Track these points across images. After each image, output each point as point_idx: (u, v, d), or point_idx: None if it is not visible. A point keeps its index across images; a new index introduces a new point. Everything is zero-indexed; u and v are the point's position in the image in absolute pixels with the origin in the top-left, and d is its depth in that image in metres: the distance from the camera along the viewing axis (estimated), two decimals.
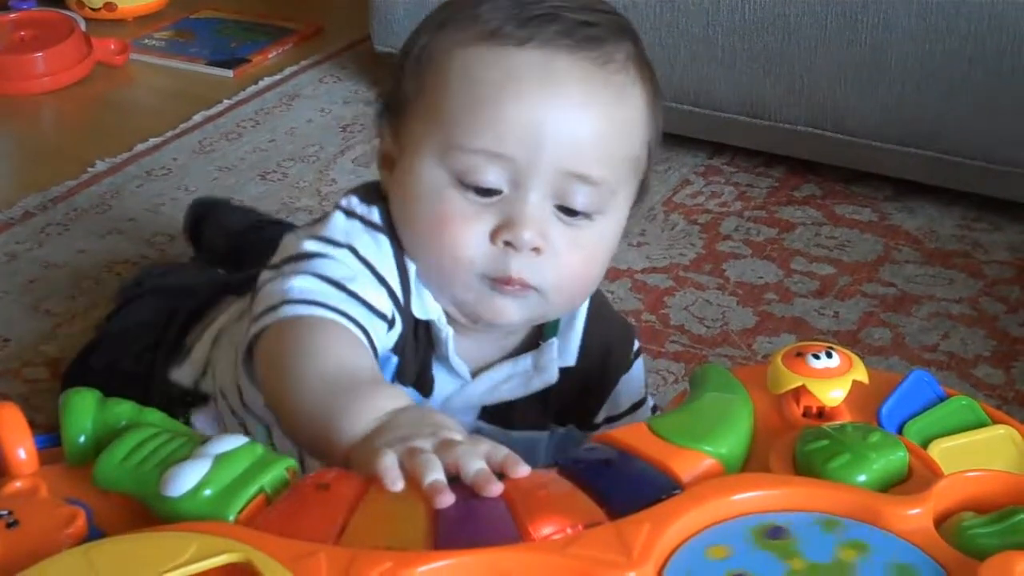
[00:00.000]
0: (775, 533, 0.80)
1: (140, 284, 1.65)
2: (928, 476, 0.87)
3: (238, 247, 1.73)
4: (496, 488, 0.83)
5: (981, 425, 0.96)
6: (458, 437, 0.88)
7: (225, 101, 2.48)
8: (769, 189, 2.20)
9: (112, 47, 2.63)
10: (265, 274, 1.13)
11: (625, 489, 0.85)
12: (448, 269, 1.11)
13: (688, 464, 0.88)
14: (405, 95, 1.15)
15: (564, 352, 1.22)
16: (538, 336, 1.22)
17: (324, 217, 1.16)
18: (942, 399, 0.98)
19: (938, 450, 0.92)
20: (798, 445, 0.89)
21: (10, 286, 1.89)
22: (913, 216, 2.12)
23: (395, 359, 1.16)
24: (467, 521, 0.82)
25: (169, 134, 2.35)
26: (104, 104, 2.51)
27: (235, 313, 1.37)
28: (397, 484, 0.83)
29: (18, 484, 0.86)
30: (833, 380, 0.95)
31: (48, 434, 0.92)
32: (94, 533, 0.81)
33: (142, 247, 1.97)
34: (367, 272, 1.11)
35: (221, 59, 2.64)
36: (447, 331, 1.16)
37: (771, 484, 0.85)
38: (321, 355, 1.02)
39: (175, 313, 1.44)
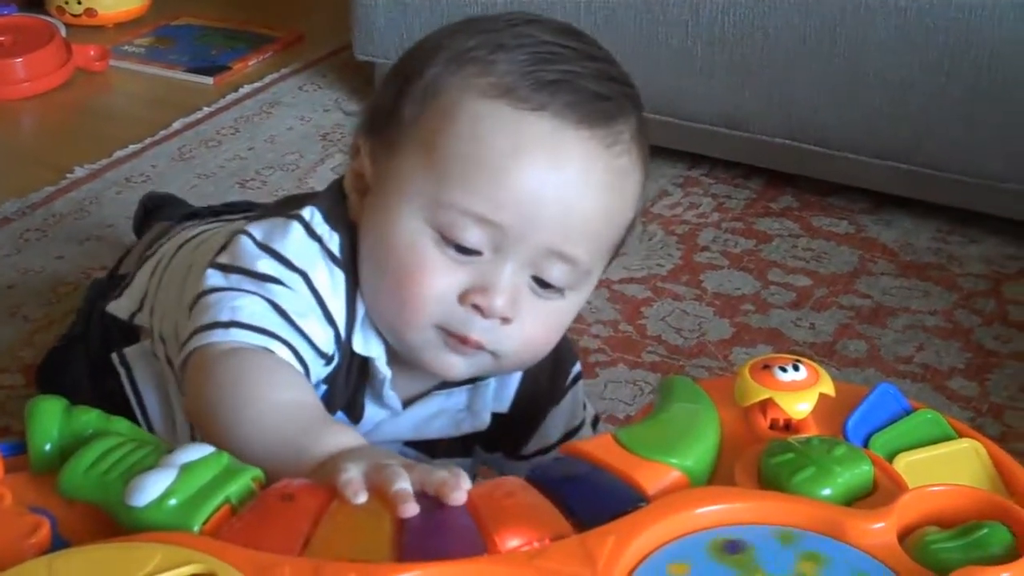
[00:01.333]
0: (733, 548, 0.81)
1: None
2: (893, 490, 0.87)
3: None
4: (460, 495, 0.83)
5: (947, 438, 0.96)
6: (414, 463, 0.88)
7: (205, 108, 2.47)
8: (747, 200, 2.21)
9: (92, 53, 2.62)
10: (212, 274, 1.10)
11: (591, 501, 0.86)
12: (406, 318, 1.09)
13: (654, 476, 0.88)
14: (399, 119, 1.11)
15: (500, 396, 1.22)
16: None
17: (282, 225, 1.12)
18: (908, 412, 0.98)
19: (903, 463, 0.93)
20: (764, 458, 0.89)
21: None
22: (889, 228, 2.12)
23: (323, 388, 1.14)
24: (432, 533, 0.82)
25: (148, 141, 2.34)
26: (83, 110, 2.51)
27: (173, 249, 1.34)
28: (359, 496, 0.83)
29: None
30: (800, 393, 0.95)
31: (13, 441, 0.91)
32: (58, 543, 0.81)
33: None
34: (316, 307, 1.09)
35: (201, 66, 2.64)
36: (385, 372, 1.14)
37: (736, 498, 0.86)
38: (271, 392, 1.01)
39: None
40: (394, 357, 1.14)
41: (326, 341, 1.09)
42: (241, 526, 0.82)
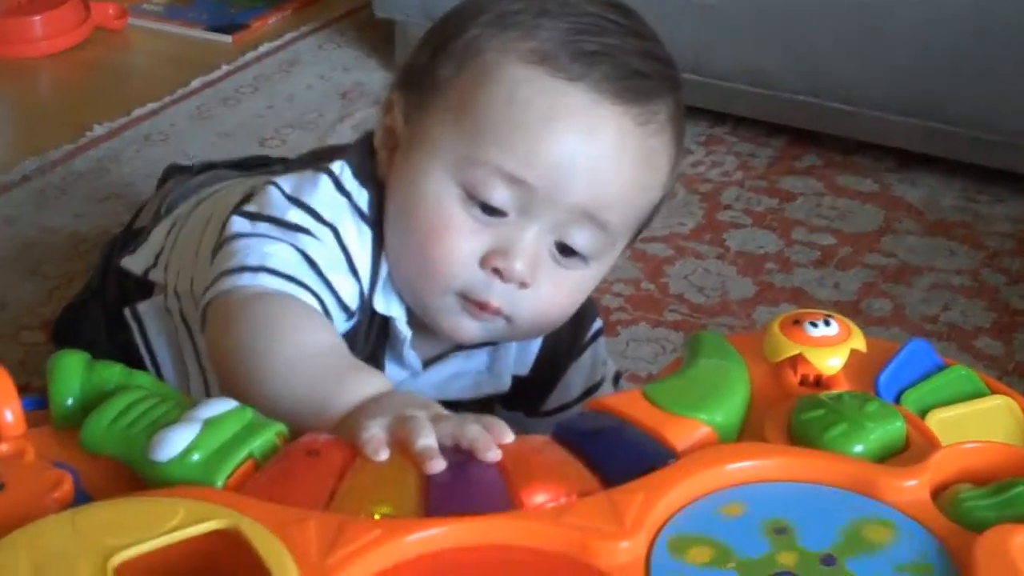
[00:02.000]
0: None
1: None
2: (926, 447, 0.86)
3: None
4: (494, 454, 0.82)
5: (979, 395, 0.95)
6: (447, 414, 0.87)
7: (224, 67, 2.46)
8: (770, 159, 2.19)
9: (111, 11, 2.61)
10: (238, 221, 1.10)
11: (619, 457, 0.85)
12: (428, 278, 1.09)
13: (683, 432, 0.87)
14: (436, 78, 1.11)
15: (521, 359, 1.21)
16: None
17: (311, 178, 1.11)
18: (941, 368, 0.97)
19: (936, 420, 0.91)
20: (794, 414, 0.88)
21: (7, 250, 1.88)
22: (915, 187, 2.10)
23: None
24: (459, 488, 0.82)
25: (167, 99, 2.33)
26: (102, 69, 2.50)
27: (191, 206, 1.33)
28: (381, 454, 0.82)
29: (4, 447, 0.85)
30: (831, 348, 0.94)
31: (36, 396, 0.91)
32: (81, 497, 0.80)
33: None
34: (344, 262, 1.09)
35: (220, 24, 2.62)
36: (406, 333, 1.14)
37: (766, 454, 0.85)
38: (301, 336, 1.00)
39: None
40: (414, 318, 1.14)
41: (351, 296, 1.09)
42: (265, 481, 0.81)
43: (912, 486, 0.82)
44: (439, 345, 1.18)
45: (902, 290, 1.84)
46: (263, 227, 1.08)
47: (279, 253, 1.05)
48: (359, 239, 1.10)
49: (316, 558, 0.73)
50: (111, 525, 0.74)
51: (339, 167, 1.11)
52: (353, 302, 1.09)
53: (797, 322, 0.96)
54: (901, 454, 0.86)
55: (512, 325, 1.11)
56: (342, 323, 1.09)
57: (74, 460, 0.84)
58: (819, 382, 0.95)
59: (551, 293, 1.10)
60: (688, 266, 1.89)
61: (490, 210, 1.07)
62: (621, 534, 0.77)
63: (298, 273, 1.04)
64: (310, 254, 1.06)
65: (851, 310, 1.79)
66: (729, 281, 1.86)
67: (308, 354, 0.98)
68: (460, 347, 1.18)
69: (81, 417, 0.87)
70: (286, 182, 1.11)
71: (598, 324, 1.30)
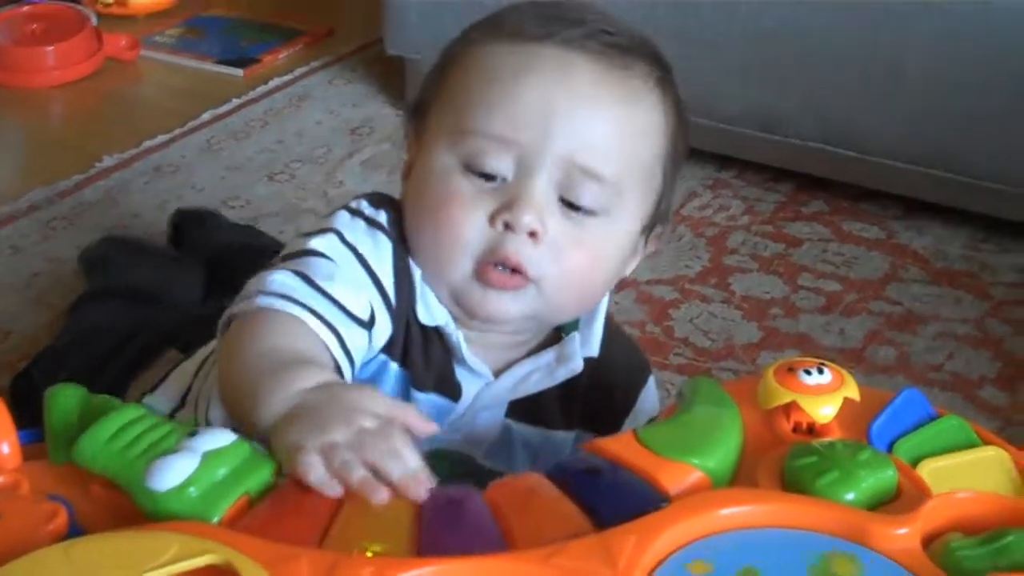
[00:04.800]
0: None
1: (103, 262, 1.68)
2: (917, 496, 0.86)
3: (224, 258, 1.72)
4: (422, 491, 0.84)
5: (971, 446, 0.95)
6: (368, 424, 0.87)
7: (234, 100, 2.48)
8: (777, 204, 2.20)
9: (123, 43, 2.63)
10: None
11: (612, 500, 0.85)
12: (445, 251, 1.11)
13: (676, 477, 0.87)
14: (428, 94, 1.17)
15: (586, 343, 1.21)
16: (557, 339, 1.22)
17: (326, 218, 1.15)
18: (933, 418, 0.97)
19: (928, 470, 0.91)
20: (787, 461, 0.88)
21: (14, 279, 1.89)
22: (921, 235, 2.11)
23: (394, 366, 1.15)
24: (452, 528, 0.82)
25: (177, 131, 2.35)
26: (113, 100, 2.51)
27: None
28: (335, 490, 0.83)
29: (0, 479, 0.85)
30: (824, 396, 0.94)
31: (32, 429, 0.91)
32: (75, 530, 0.80)
33: (144, 241, 1.96)
34: (358, 268, 1.11)
35: (231, 58, 2.64)
36: (457, 334, 1.15)
37: (759, 499, 0.84)
38: (262, 339, 1.02)
39: (140, 325, 1.43)
40: (465, 327, 1.16)
41: (358, 302, 1.09)
42: (259, 517, 0.81)
43: (903, 534, 0.82)
44: (508, 353, 1.20)
45: (907, 338, 1.84)
46: (275, 263, 1.11)
47: (276, 278, 1.07)
48: (375, 247, 1.12)
49: None
50: (105, 558, 0.75)
51: (355, 202, 1.16)
52: (364, 312, 1.09)
53: (791, 369, 0.96)
54: (892, 503, 0.86)
55: (541, 291, 1.12)
56: (360, 334, 1.09)
57: (69, 493, 0.84)
58: (812, 429, 0.94)
59: (570, 249, 1.11)
60: (693, 310, 1.89)
61: (489, 177, 1.10)
62: None
63: (291, 292, 1.06)
64: (308, 273, 1.07)
65: (856, 357, 1.79)
66: (734, 326, 1.86)
67: (257, 354, 0.99)
68: (529, 353, 1.21)
69: None
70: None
71: (645, 359, 1.37)
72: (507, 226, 1.09)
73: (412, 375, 1.16)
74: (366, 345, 1.11)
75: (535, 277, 1.11)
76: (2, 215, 2.06)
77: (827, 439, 0.91)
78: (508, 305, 1.12)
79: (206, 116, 2.41)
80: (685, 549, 0.81)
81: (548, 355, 1.21)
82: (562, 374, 1.20)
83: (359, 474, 0.83)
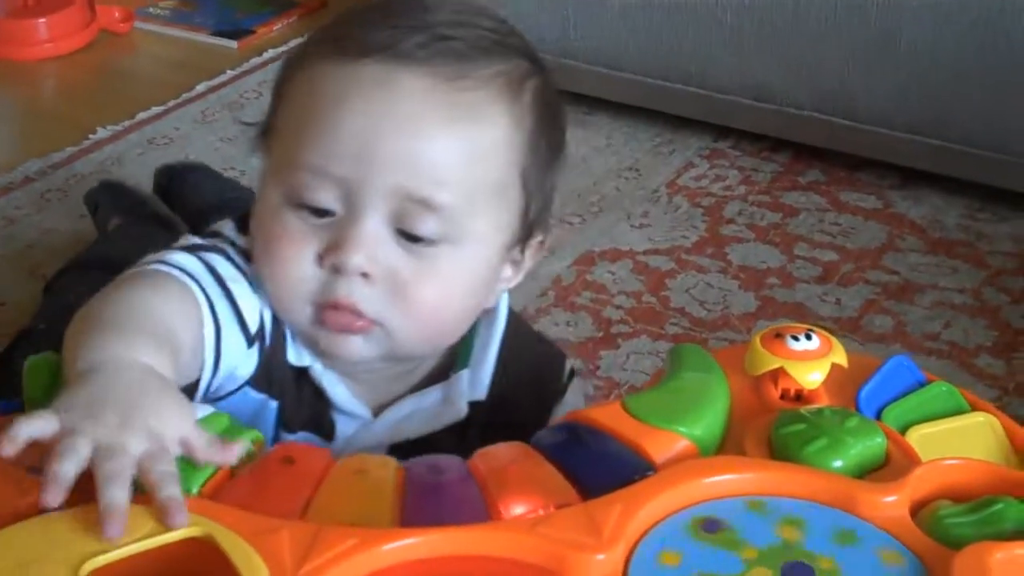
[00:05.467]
0: (711, 527, 0.79)
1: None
2: (905, 463, 0.85)
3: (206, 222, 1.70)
4: (181, 520, 0.76)
5: (960, 412, 0.94)
6: (133, 447, 0.78)
7: (228, 72, 2.47)
8: (774, 174, 2.19)
9: (116, 15, 2.62)
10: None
11: (597, 469, 0.84)
12: (283, 294, 1.03)
13: (662, 445, 0.87)
14: (270, 119, 1.08)
15: (474, 385, 1.13)
16: (448, 367, 1.14)
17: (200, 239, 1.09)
18: (922, 384, 0.96)
19: (916, 436, 0.91)
20: (775, 428, 0.87)
21: (8, 250, 1.89)
22: (918, 205, 2.10)
23: (273, 404, 1.08)
24: (435, 499, 0.81)
25: (171, 103, 2.34)
26: (107, 72, 2.50)
27: None
28: (6, 451, 0.77)
29: None
30: (812, 362, 0.94)
31: (13, 400, 0.90)
32: None
33: None
34: (248, 289, 1.05)
35: (225, 30, 2.63)
36: (322, 378, 1.09)
37: (746, 467, 0.84)
38: (134, 291, 0.96)
39: None
40: (334, 366, 1.09)
41: (252, 314, 1.04)
42: (240, 489, 0.81)
43: (891, 502, 0.81)
44: (390, 388, 1.13)
45: (904, 307, 1.84)
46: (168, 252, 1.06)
47: (180, 258, 1.02)
48: (255, 278, 1.06)
49: (290, 567, 0.73)
50: (83, 531, 0.74)
51: (220, 225, 1.10)
52: (253, 321, 1.04)
53: (779, 335, 0.95)
54: (881, 470, 0.85)
55: (389, 331, 1.03)
56: (239, 340, 1.04)
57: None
58: (800, 396, 0.94)
59: (411, 284, 1.01)
60: (690, 279, 1.89)
61: (317, 211, 1.01)
62: (598, 547, 0.76)
63: (194, 271, 1.01)
64: (212, 264, 1.03)
65: (852, 327, 1.78)
66: (731, 295, 1.85)
67: (115, 300, 0.94)
68: (413, 389, 1.13)
69: None
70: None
71: (570, 364, 1.25)
72: (335, 268, 1.01)
73: (284, 414, 1.09)
74: (241, 358, 1.04)
75: (377, 318, 1.02)
76: None
77: (815, 406, 0.91)
78: (358, 347, 1.04)
79: (200, 88, 2.40)
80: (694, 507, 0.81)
81: (434, 393, 1.13)
82: (446, 419, 1.12)
83: (112, 496, 0.75)
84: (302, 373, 1.08)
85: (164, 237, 1.65)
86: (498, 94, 1.02)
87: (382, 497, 0.81)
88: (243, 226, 1.08)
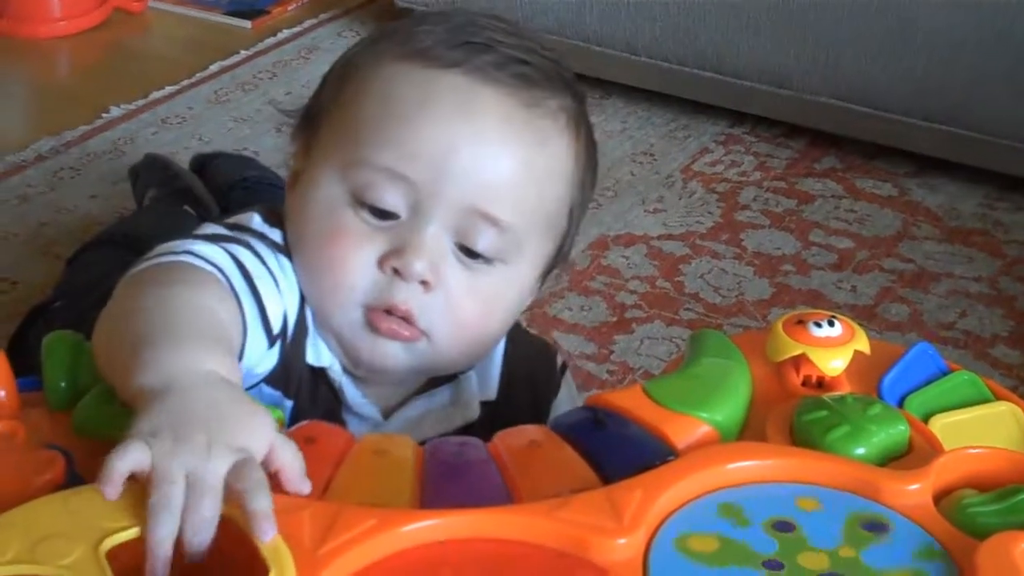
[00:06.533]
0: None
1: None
2: (929, 451, 0.84)
3: (226, 206, 1.69)
4: (270, 533, 0.73)
5: (983, 401, 0.94)
6: (221, 466, 0.74)
7: (242, 52, 2.46)
8: (789, 160, 2.18)
9: None
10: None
11: (618, 453, 0.84)
12: (331, 295, 1.02)
13: (683, 430, 0.86)
14: (322, 105, 1.08)
15: (484, 385, 1.13)
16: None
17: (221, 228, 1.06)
18: (945, 373, 0.95)
19: (939, 425, 0.90)
20: (796, 415, 0.86)
21: (20, 229, 1.88)
22: (934, 193, 2.09)
23: (288, 404, 1.07)
24: (455, 480, 0.81)
25: (185, 83, 2.34)
26: (120, 51, 2.50)
27: None
28: (110, 494, 0.73)
29: None
30: (834, 349, 0.93)
31: (32, 377, 0.90)
32: (74, 479, 0.79)
33: None
34: (272, 284, 1.02)
35: (240, 9, 2.62)
36: (341, 380, 1.07)
37: (767, 454, 0.83)
38: (179, 285, 0.92)
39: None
40: (352, 370, 1.08)
41: (276, 314, 1.02)
42: None
43: (914, 490, 0.81)
44: (398, 390, 1.12)
45: (919, 296, 1.83)
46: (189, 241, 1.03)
47: (208, 249, 0.99)
48: (283, 273, 1.04)
49: (310, 547, 0.72)
50: (104, 508, 0.73)
51: (245, 217, 1.08)
52: (276, 322, 1.02)
53: (801, 322, 0.95)
54: (903, 458, 0.85)
55: (433, 343, 1.03)
56: (261, 341, 1.01)
57: (68, 442, 0.83)
58: (821, 383, 0.93)
59: (463, 299, 1.02)
60: (704, 265, 1.88)
61: (380, 213, 1.01)
62: (619, 531, 0.76)
63: (222, 263, 0.98)
64: (241, 259, 1.00)
65: (868, 315, 1.77)
66: (745, 282, 1.85)
67: (170, 307, 0.89)
68: (420, 390, 1.12)
69: (74, 399, 0.87)
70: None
71: (560, 357, 1.25)
72: (396, 272, 1.00)
73: (296, 414, 1.07)
74: (259, 358, 1.01)
75: (426, 328, 1.02)
76: (10, 165, 2.05)
77: (837, 393, 0.90)
78: (399, 355, 1.04)
79: (214, 68, 2.40)
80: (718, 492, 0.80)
81: (443, 394, 1.12)
82: (458, 420, 1.11)
83: (164, 526, 0.72)
84: (319, 373, 1.07)
85: (192, 220, 1.66)
86: (564, 127, 1.05)
87: (402, 478, 0.80)
88: (270, 217, 1.07)
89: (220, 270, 0.96)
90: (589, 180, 1.10)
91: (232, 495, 0.73)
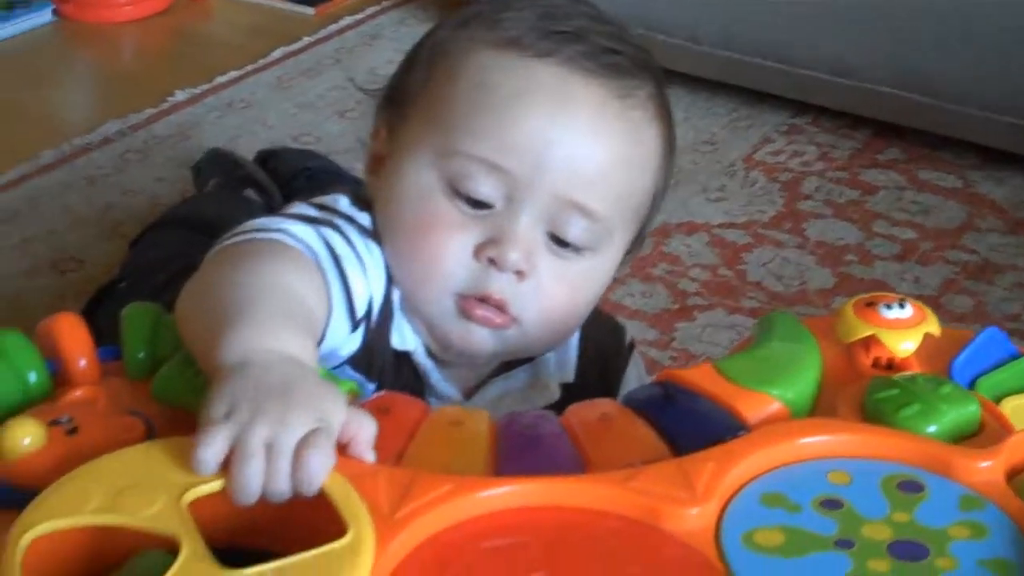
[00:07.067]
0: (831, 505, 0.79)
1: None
2: (1000, 431, 0.84)
3: (288, 195, 1.71)
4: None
5: None
6: (296, 432, 0.75)
7: (305, 39, 2.47)
8: (852, 151, 2.17)
9: None
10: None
11: (690, 427, 0.84)
12: (424, 282, 1.04)
13: (755, 406, 0.86)
14: (410, 88, 1.08)
15: (562, 367, 1.14)
16: None
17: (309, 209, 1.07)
18: (1015, 357, 0.95)
19: (1009, 407, 0.89)
20: (868, 393, 0.87)
21: (88, 210, 1.90)
22: (999, 186, 2.08)
23: (371, 387, 1.07)
24: (529, 451, 0.81)
25: (248, 68, 2.36)
26: (184, 36, 2.52)
27: None
28: (203, 473, 0.74)
29: (78, 392, 0.86)
30: (905, 331, 0.93)
31: (111, 346, 0.91)
32: None
33: None
34: (359, 267, 1.03)
35: None
36: (426, 364, 1.09)
37: (840, 430, 0.83)
38: (269, 263, 0.92)
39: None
40: (436, 353, 1.09)
41: (361, 299, 1.02)
42: None
43: (986, 467, 0.81)
44: (476, 374, 1.14)
45: (983, 287, 1.82)
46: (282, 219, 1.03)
47: (299, 229, 0.99)
48: (371, 258, 1.04)
49: (386, 511, 0.73)
50: (187, 461, 0.74)
51: (332, 199, 1.08)
52: (361, 307, 1.02)
53: (871, 304, 0.95)
54: (974, 437, 0.85)
55: (522, 328, 1.05)
56: (344, 324, 1.01)
57: (147, 409, 0.84)
58: (891, 365, 0.93)
59: (553, 287, 1.04)
60: (767, 254, 1.88)
61: (475, 203, 1.02)
62: (692, 501, 0.76)
63: (313, 244, 0.99)
64: (330, 241, 1.01)
65: (931, 305, 1.71)
66: (808, 271, 1.84)
67: (258, 284, 0.89)
68: (498, 371, 1.13)
69: (152, 369, 0.88)
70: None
71: (629, 335, 1.26)
72: (492, 262, 1.02)
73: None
74: (342, 341, 1.02)
75: (517, 315, 1.04)
76: (77, 147, 2.07)
77: (908, 372, 0.90)
78: (488, 341, 1.05)
79: (277, 54, 2.41)
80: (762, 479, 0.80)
81: (521, 375, 1.13)
82: (539, 402, 1.12)
83: (249, 480, 0.73)
84: (403, 357, 1.08)
85: (255, 206, 1.67)
86: (653, 117, 1.07)
87: (476, 448, 0.81)
88: (358, 201, 1.08)
89: (311, 251, 0.97)
90: (671, 166, 1.11)
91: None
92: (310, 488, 0.73)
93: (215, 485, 0.73)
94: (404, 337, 1.07)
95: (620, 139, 1.04)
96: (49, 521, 0.71)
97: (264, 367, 0.79)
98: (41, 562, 0.70)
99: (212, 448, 0.73)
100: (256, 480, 0.73)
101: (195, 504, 0.72)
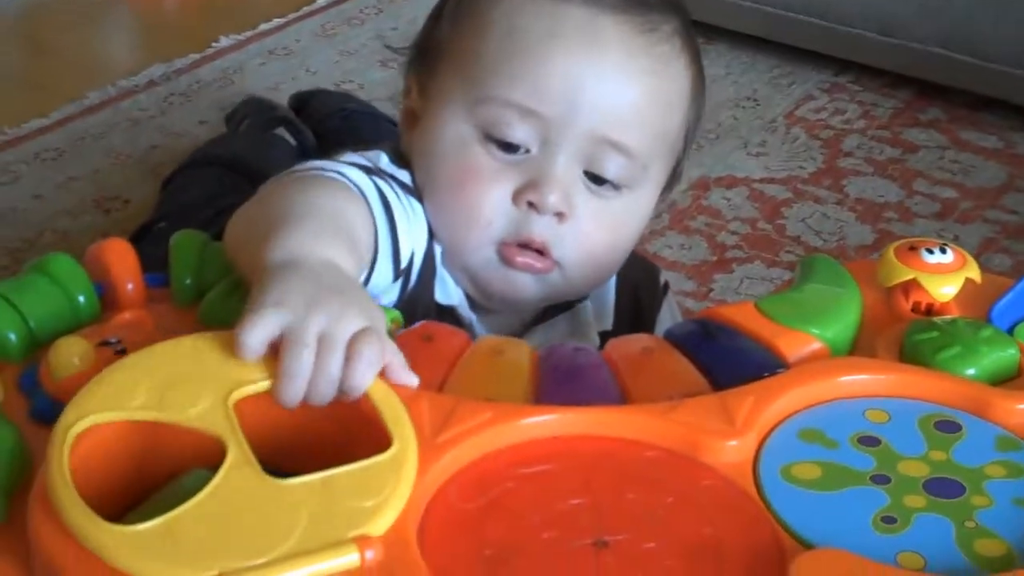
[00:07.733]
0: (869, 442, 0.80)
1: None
2: None
3: (323, 133, 1.72)
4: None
5: None
6: (351, 327, 0.75)
7: None
8: (894, 110, 2.16)
9: None
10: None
11: (730, 363, 0.85)
12: (464, 232, 1.04)
13: (794, 344, 0.87)
14: (438, 40, 1.09)
15: (600, 314, 1.15)
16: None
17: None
18: None
19: None
20: (907, 335, 0.87)
21: (132, 149, 1.92)
22: None
23: None
24: (570, 381, 0.82)
25: (292, 16, 2.36)
26: None
27: None
28: (246, 356, 0.74)
29: (126, 315, 0.87)
30: (946, 276, 0.93)
31: (158, 274, 0.92)
32: None
33: None
34: (407, 216, 1.03)
35: None
36: (470, 317, 1.09)
37: (879, 369, 0.84)
38: (326, 192, 0.93)
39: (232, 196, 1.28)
40: (478, 308, 1.10)
41: (406, 249, 1.02)
42: None
43: None
44: (517, 323, 1.14)
45: (1022, 247, 1.81)
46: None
47: (356, 174, 0.99)
48: (413, 215, 1.05)
49: (429, 434, 0.74)
50: (234, 358, 0.74)
51: (375, 155, 1.08)
52: (405, 256, 1.02)
53: (913, 248, 0.95)
54: (1013, 380, 0.85)
55: (564, 272, 1.05)
56: (388, 270, 1.01)
57: (193, 333, 0.85)
58: (931, 310, 0.93)
59: (593, 226, 1.05)
60: (806, 209, 1.88)
61: (510, 147, 1.02)
62: (731, 433, 0.77)
63: (367, 189, 0.98)
64: (383, 191, 1.01)
65: None
66: (847, 227, 1.84)
67: (312, 197, 0.91)
68: (537, 320, 1.14)
69: (198, 297, 0.89)
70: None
71: (663, 277, 1.27)
72: (531, 205, 1.02)
73: None
74: (383, 288, 1.01)
75: (559, 258, 1.04)
76: (122, 89, 2.08)
77: (948, 316, 0.90)
78: (532, 286, 1.06)
79: (321, 2, 2.42)
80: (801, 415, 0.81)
81: (560, 324, 1.14)
82: None
83: (325, 388, 0.74)
84: (446, 311, 1.08)
85: (286, 145, 1.68)
86: (680, 51, 1.07)
87: (517, 377, 0.82)
88: (397, 159, 1.08)
89: (363, 195, 0.97)
90: (701, 99, 1.12)
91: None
92: (358, 387, 0.73)
93: (262, 385, 0.73)
94: (448, 291, 1.08)
95: (649, 75, 1.04)
96: (96, 414, 0.71)
97: (315, 268, 0.79)
98: (88, 455, 0.71)
99: (261, 330, 0.73)
100: (306, 371, 0.73)
101: (240, 404, 0.72)
